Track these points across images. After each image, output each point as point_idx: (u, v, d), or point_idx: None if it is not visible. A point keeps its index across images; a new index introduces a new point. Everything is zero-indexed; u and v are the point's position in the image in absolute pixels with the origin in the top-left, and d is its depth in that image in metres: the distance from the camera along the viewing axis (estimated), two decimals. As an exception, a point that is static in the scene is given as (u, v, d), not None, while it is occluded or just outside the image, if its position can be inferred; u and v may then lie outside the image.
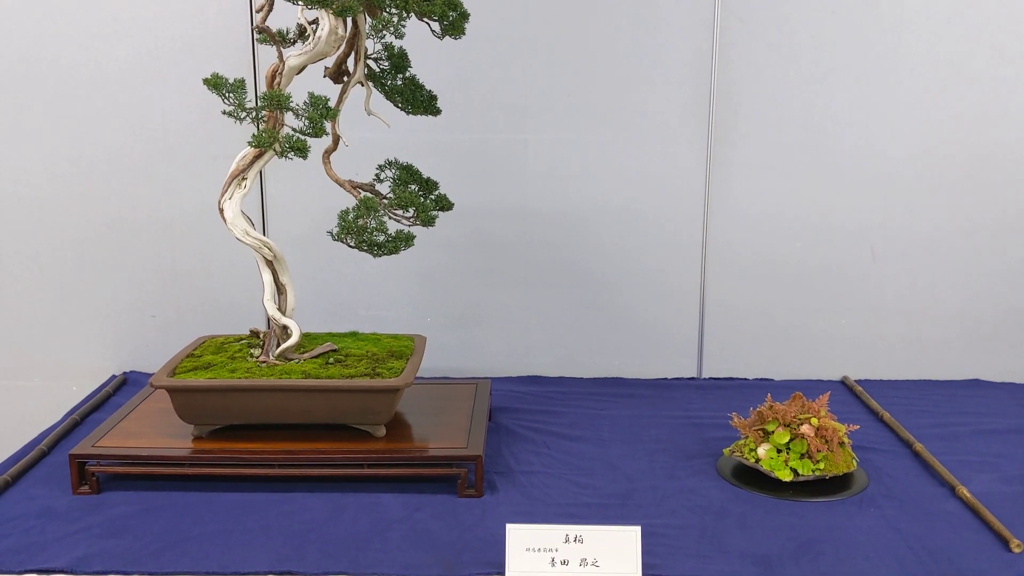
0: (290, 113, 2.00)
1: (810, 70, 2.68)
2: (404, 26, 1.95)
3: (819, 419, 2.17)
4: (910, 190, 2.75)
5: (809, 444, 2.13)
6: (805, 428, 2.15)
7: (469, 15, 2.08)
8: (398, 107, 2.25)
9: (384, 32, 1.97)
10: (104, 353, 2.86)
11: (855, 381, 2.79)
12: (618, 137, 2.74)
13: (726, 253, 2.80)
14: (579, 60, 2.69)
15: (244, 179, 2.18)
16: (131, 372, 2.84)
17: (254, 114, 1.96)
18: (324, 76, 2.22)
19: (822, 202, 2.76)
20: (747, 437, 2.21)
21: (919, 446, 2.32)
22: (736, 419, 2.25)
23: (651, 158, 2.74)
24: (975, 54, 2.65)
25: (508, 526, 1.78)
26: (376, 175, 2.30)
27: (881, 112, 2.70)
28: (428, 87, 2.26)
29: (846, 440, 2.18)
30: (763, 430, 2.20)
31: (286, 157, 1.98)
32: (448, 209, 2.29)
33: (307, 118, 1.96)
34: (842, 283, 2.81)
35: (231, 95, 1.94)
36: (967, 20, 2.64)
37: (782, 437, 2.15)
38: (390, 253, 2.14)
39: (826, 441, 2.15)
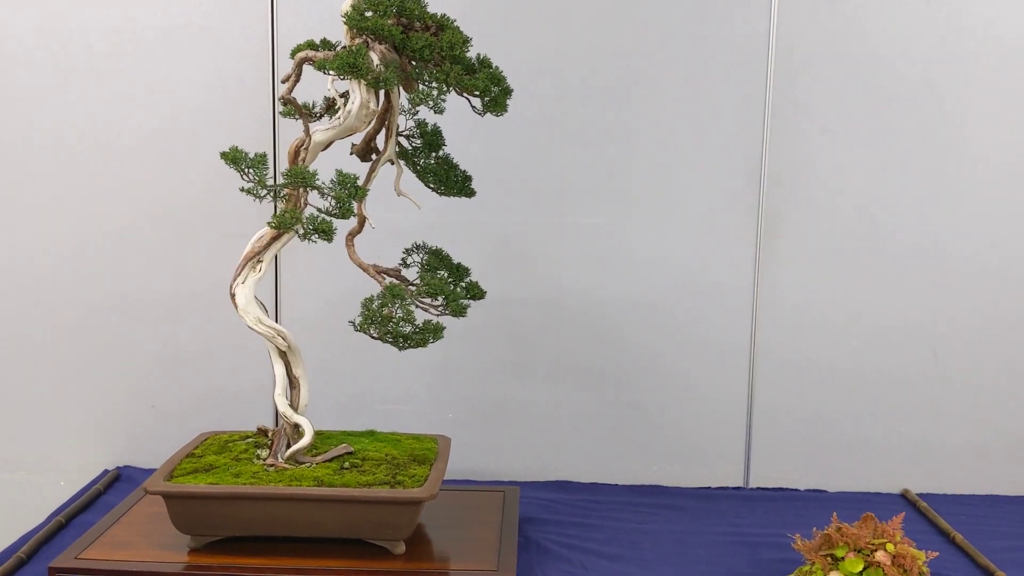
0: (314, 192, 1.82)
1: (867, 158, 2.51)
2: (444, 100, 1.78)
3: (895, 545, 1.93)
4: (975, 287, 2.55)
5: (886, 573, 1.89)
6: (880, 555, 1.91)
7: (512, 91, 1.92)
8: (430, 187, 2.08)
9: (421, 106, 1.80)
10: (97, 445, 2.63)
11: (917, 495, 2.54)
12: (660, 223, 2.56)
13: (776, 350, 2.59)
14: (619, 140, 2.53)
15: (259, 262, 1.99)
16: (125, 467, 2.61)
17: (275, 192, 1.78)
18: (351, 153, 2.05)
19: (879, 299, 2.56)
20: (812, 563, 1.96)
21: (1002, 575, 2.07)
22: (799, 542, 2.01)
23: (695, 246, 2.56)
24: (1046, 144, 2.49)
25: (551, 673, 1.53)
26: (402, 259, 2.11)
27: (943, 203, 2.52)
28: (457, 163, 2.09)
29: (925, 570, 1.94)
30: (831, 555, 1.95)
31: (310, 240, 1.79)
32: (480, 298, 2.10)
33: (334, 197, 1.78)
34: (901, 387, 2.59)
35: (251, 171, 1.76)
36: (1035, 108, 2.48)
37: (855, 565, 1.91)
38: (417, 346, 1.94)
39: (905, 571, 1.90)
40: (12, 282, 2.59)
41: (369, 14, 1.79)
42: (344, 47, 1.91)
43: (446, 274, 2.09)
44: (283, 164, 2.32)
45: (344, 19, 1.81)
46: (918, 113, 2.49)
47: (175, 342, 2.60)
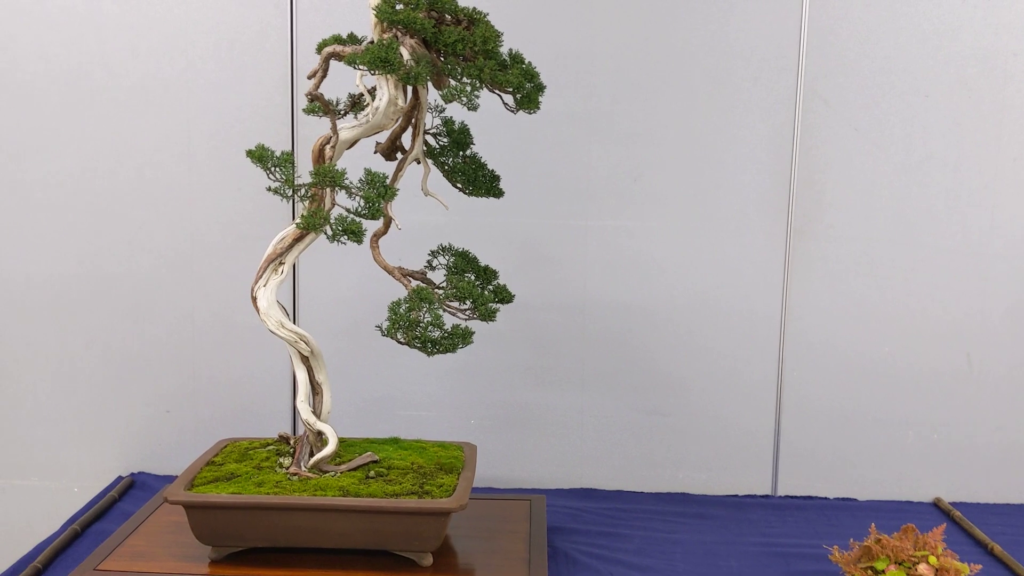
0: (341, 192, 1.75)
1: (902, 158, 2.45)
2: (478, 96, 1.71)
3: (938, 557, 1.87)
4: (1010, 292, 2.48)
5: (929, 588, 1.82)
6: (923, 568, 1.85)
7: (545, 87, 1.86)
8: (457, 188, 2.02)
9: (453, 102, 1.73)
10: (110, 451, 2.57)
11: (950, 504, 2.48)
12: (687, 225, 2.49)
13: (806, 356, 2.52)
14: (647, 140, 2.47)
15: (281, 264, 1.93)
16: (139, 474, 2.54)
17: (304, 192, 1.72)
18: (375, 151, 1.99)
19: (913, 302, 2.50)
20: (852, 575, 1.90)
21: (1046, 588, 2.01)
22: (836, 553, 1.95)
23: (724, 249, 2.49)
24: (1086, 143, 2.43)
25: None
26: (428, 262, 2.05)
27: (980, 204, 2.46)
28: (485, 163, 2.03)
29: (970, 584, 1.88)
30: (871, 568, 1.89)
31: (338, 241, 1.72)
32: (508, 302, 2.04)
33: (362, 197, 1.71)
34: (935, 392, 2.53)
35: (277, 170, 1.70)
36: (1073, 107, 2.42)
37: (897, 578, 1.84)
38: (446, 351, 1.88)
39: (949, 585, 1.84)
40: (25, 288, 2.53)
41: (400, 7, 1.73)
42: (371, 41, 1.85)
43: (473, 277, 2.02)
44: (300, 161, 2.29)
45: (375, 12, 1.75)
46: (954, 113, 2.43)
47: (190, 346, 2.53)
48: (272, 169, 1.71)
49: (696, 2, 2.42)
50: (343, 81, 1.94)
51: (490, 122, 1.99)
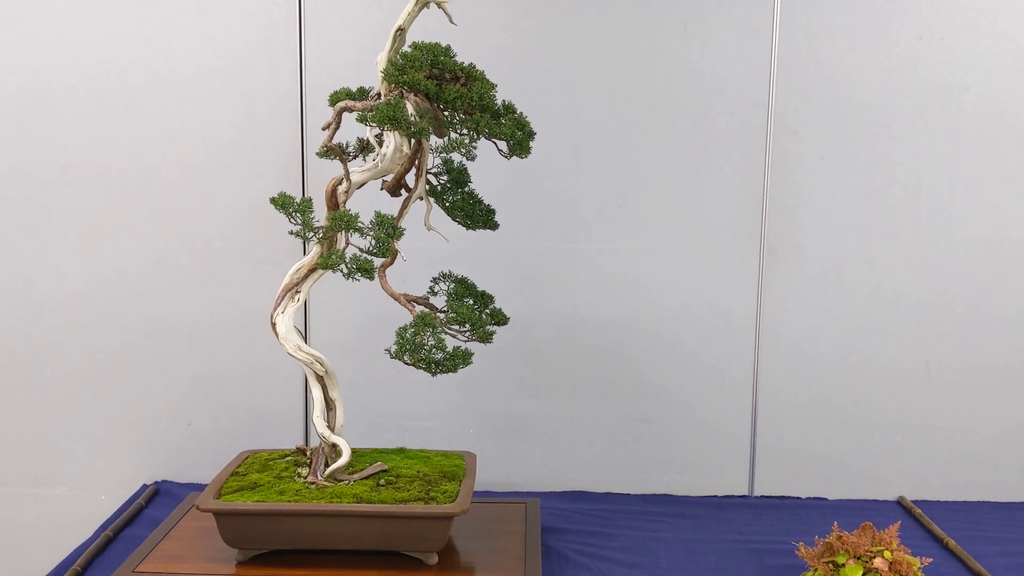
0: (355, 232, 1.95)
1: (865, 184, 2.65)
2: (475, 147, 1.91)
3: (892, 552, 2.08)
4: (966, 303, 2.69)
5: (884, 580, 2.03)
6: (878, 562, 2.05)
7: (535, 134, 2.06)
8: (457, 222, 2.21)
9: (454, 152, 1.94)
10: (135, 461, 2.76)
11: (912, 502, 2.69)
12: (669, 246, 2.70)
13: (779, 366, 2.73)
14: (631, 169, 2.67)
15: (298, 292, 2.13)
16: (163, 482, 2.73)
17: (320, 234, 1.91)
18: (381, 189, 2.18)
19: (877, 315, 2.70)
20: (815, 570, 2.10)
21: (993, 579, 2.22)
22: (802, 549, 2.15)
23: (703, 268, 2.70)
24: (1033, 170, 2.63)
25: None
26: (430, 288, 2.25)
27: (937, 226, 2.66)
28: (481, 198, 2.23)
29: (921, 575, 2.08)
30: (833, 563, 2.09)
31: (353, 279, 1.92)
32: (503, 324, 2.23)
33: (373, 238, 1.91)
34: (898, 399, 2.73)
35: (298, 215, 1.89)
36: (1022, 135, 2.62)
37: (855, 572, 2.05)
38: (448, 371, 2.07)
39: (901, 576, 2.05)
40: (56, 307, 2.71)
41: (403, 63, 1.92)
42: (377, 93, 2.05)
43: (472, 302, 2.22)
44: (310, 190, 2.48)
45: (382, 74, 1.94)
46: (912, 141, 2.63)
47: (210, 364, 2.72)
48: (293, 214, 1.91)
49: (675, 42, 2.62)
50: (352, 125, 2.13)
51: (487, 155, 2.16)
